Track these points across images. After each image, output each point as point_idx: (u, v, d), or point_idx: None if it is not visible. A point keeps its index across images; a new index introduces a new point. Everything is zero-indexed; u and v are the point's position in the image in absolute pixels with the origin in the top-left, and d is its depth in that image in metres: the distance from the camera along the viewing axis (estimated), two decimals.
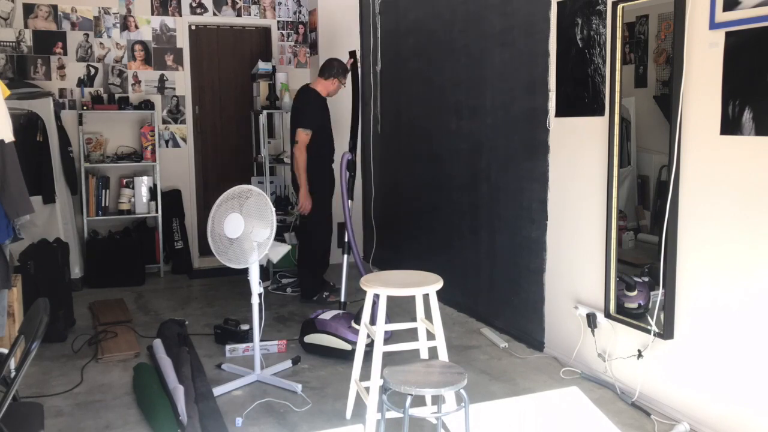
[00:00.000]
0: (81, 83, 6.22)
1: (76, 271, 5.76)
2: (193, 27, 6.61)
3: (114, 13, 6.31)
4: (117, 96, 6.27)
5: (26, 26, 6.05)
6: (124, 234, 6.30)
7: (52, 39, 6.14)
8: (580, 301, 3.81)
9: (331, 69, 5.24)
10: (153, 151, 6.30)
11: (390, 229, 6.21)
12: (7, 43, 6.00)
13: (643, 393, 3.39)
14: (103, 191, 6.19)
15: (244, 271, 3.73)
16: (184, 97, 6.56)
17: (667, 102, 3.12)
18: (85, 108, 6.11)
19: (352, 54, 5.31)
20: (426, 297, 3.11)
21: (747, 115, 2.79)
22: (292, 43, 6.86)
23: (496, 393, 3.56)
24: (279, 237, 6.18)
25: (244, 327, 4.36)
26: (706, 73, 2.95)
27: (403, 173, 5.87)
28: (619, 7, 3.37)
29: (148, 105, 6.28)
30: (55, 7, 6.12)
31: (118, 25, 6.33)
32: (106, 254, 5.98)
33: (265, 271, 6.01)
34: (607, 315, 3.55)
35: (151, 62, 6.46)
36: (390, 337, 4.27)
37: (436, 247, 5.32)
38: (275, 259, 4.81)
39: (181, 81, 6.52)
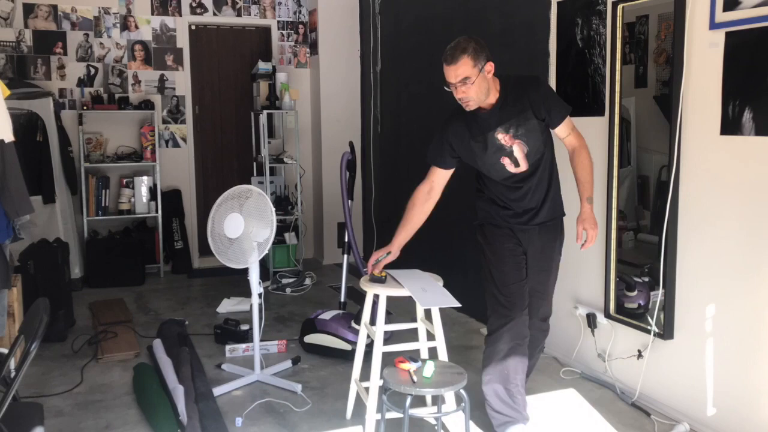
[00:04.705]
0: (81, 83, 6.21)
1: (76, 271, 5.76)
2: (193, 27, 6.61)
3: (114, 13, 6.31)
4: (117, 96, 6.26)
5: (26, 26, 6.04)
6: (124, 234, 6.29)
7: (52, 39, 6.13)
8: (580, 301, 3.81)
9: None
10: (153, 151, 6.30)
11: (390, 229, 6.17)
12: (7, 43, 6.00)
13: (643, 393, 3.39)
14: (103, 191, 6.19)
15: (244, 271, 3.73)
16: (184, 97, 6.56)
17: (667, 102, 3.12)
18: (85, 108, 6.11)
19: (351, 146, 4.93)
20: None
21: (747, 115, 2.79)
22: (292, 43, 6.86)
23: None
24: (279, 237, 6.18)
25: (244, 327, 4.36)
26: (706, 73, 2.95)
27: (403, 173, 5.87)
28: (619, 7, 3.37)
29: (148, 105, 6.28)
30: (55, 7, 6.12)
31: (118, 25, 6.33)
32: (106, 254, 5.98)
33: (265, 271, 6.00)
34: (607, 315, 3.55)
35: (151, 62, 6.45)
36: (390, 338, 4.27)
37: (436, 247, 5.31)
38: None
39: (181, 81, 6.52)
